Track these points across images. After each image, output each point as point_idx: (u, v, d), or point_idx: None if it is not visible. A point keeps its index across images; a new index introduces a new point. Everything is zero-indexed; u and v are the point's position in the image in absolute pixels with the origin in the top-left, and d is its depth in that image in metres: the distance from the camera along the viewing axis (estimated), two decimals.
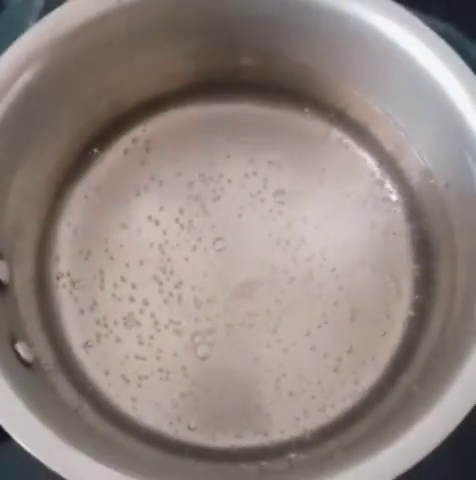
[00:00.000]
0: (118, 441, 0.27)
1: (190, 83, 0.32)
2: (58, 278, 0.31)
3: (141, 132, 0.33)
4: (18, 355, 0.26)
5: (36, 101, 0.27)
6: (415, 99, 0.27)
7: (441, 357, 0.26)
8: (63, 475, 0.22)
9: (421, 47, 0.25)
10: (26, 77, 0.26)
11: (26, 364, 0.26)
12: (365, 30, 0.27)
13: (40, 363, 0.28)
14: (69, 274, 0.31)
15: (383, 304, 0.31)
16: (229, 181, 0.32)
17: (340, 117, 0.32)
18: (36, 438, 0.22)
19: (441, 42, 0.25)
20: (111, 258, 0.31)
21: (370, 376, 0.30)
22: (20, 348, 0.26)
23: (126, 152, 0.33)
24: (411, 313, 0.30)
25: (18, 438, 0.22)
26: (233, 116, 0.33)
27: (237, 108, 0.33)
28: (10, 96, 0.26)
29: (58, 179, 0.32)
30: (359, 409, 0.29)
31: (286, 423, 0.29)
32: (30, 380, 0.25)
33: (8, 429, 0.22)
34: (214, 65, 0.31)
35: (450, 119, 0.25)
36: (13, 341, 0.26)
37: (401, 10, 0.26)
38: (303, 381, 0.30)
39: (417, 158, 0.30)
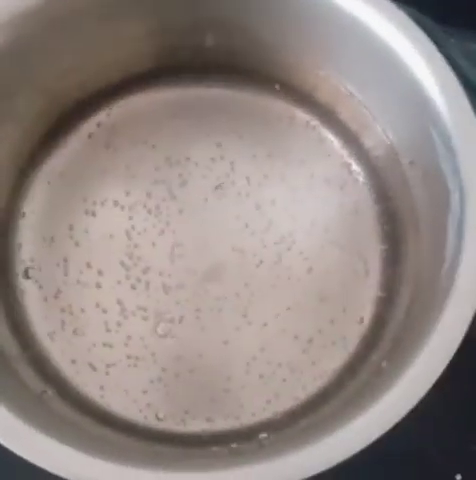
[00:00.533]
0: (86, 428, 0.26)
1: (154, 66, 0.32)
2: (21, 265, 0.30)
3: (106, 116, 0.32)
4: None
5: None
6: (378, 76, 0.27)
7: (408, 333, 0.26)
8: (29, 459, 0.21)
9: (384, 23, 0.25)
10: None
11: None
12: (328, 7, 0.26)
13: (4, 351, 0.27)
14: (32, 261, 0.30)
15: (352, 285, 0.31)
16: (196, 164, 0.32)
17: (306, 98, 0.32)
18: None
19: (404, 17, 0.25)
20: (76, 244, 0.31)
21: (340, 356, 0.30)
22: None
23: (90, 136, 0.32)
24: (379, 293, 0.31)
25: None
26: (198, 99, 0.32)
27: (202, 91, 0.32)
28: None
29: (20, 165, 0.31)
30: (330, 389, 0.29)
31: (257, 406, 0.29)
32: None
33: None
34: (177, 44, 0.31)
35: (414, 95, 0.25)
36: None
37: None
38: (273, 364, 0.29)
39: (382, 136, 0.30)
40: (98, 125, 0.32)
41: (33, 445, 0.21)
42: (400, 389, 0.22)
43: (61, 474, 0.21)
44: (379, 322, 0.30)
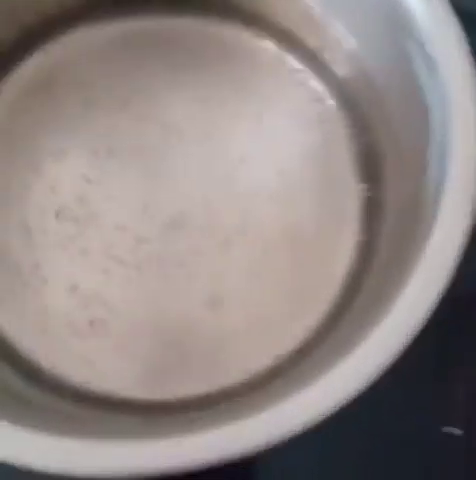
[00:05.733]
0: (36, 400, 0.24)
1: None
2: None
3: (44, 56, 0.29)
4: None
5: None
6: None
7: (389, 277, 0.23)
8: None
9: None
10: None
11: None
12: None
13: None
14: None
15: (330, 230, 0.28)
16: (155, 104, 0.29)
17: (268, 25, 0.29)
18: None
19: None
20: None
21: (320, 308, 0.27)
22: None
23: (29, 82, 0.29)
24: (360, 237, 0.28)
25: None
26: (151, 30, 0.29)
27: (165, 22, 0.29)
28: None
29: None
30: (309, 344, 0.26)
31: (232, 367, 0.26)
32: None
33: None
34: None
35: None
36: None
37: None
38: (249, 319, 0.27)
39: (352, 59, 0.27)
40: (35, 68, 0.29)
41: None
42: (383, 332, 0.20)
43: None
44: (360, 267, 0.27)
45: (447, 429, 0.28)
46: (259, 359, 0.26)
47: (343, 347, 0.21)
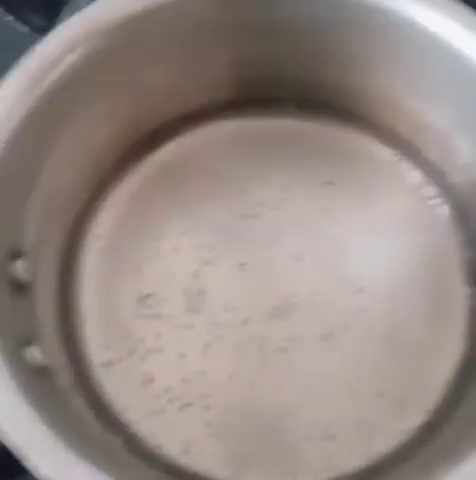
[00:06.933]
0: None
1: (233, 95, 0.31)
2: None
3: (176, 146, 0.31)
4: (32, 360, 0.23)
5: (75, 88, 0.26)
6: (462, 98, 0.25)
7: None
8: None
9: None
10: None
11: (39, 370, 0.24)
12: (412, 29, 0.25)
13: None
14: None
15: (435, 336, 0.28)
16: (266, 200, 0.30)
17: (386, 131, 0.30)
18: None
19: None
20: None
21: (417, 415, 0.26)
22: (34, 352, 0.24)
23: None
24: (464, 347, 0.27)
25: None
26: (273, 131, 0.31)
27: (276, 123, 0.31)
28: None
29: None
30: (406, 448, 0.25)
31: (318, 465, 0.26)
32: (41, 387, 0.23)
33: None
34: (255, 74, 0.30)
35: None
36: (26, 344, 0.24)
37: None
38: (343, 415, 0.26)
39: (469, 170, 0.27)
40: (168, 155, 0.31)
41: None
42: None
43: None
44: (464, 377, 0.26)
45: None
46: (348, 459, 0.26)
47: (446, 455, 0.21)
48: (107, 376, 0.27)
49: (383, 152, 0.31)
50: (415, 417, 0.26)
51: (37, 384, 0.23)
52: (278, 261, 0.29)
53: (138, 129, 0.30)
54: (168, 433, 0.26)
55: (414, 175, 0.30)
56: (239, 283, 0.29)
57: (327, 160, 0.31)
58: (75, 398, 0.26)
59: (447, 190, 0.29)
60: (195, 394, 0.27)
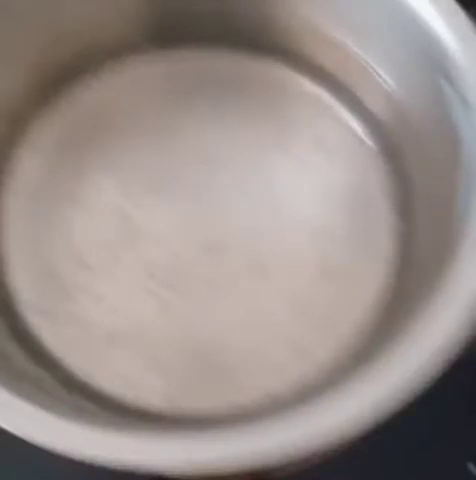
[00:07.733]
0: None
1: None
2: None
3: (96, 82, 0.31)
4: None
5: None
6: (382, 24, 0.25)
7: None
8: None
9: None
10: None
11: None
12: None
13: None
14: None
15: (363, 260, 0.29)
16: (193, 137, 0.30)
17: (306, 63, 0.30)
18: None
19: None
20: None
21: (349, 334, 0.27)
22: None
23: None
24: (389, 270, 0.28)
25: None
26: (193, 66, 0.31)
27: (199, 60, 0.31)
28: None
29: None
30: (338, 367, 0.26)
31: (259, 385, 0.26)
32: None
33: None
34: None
35: (421, 41, 0.23)
36: None
37: None
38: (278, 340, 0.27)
39: (387, 95, 0.28)
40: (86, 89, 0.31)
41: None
42: None
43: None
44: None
45: (471, 467, 0.28)
46: (283, 380, 0.26)
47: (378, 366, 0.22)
48: (34, 316, 0.27)
49: (309, 86, 0.31)
50: (345, 334, 0.27)
51: None
52: (205, 199, 0.29)
53: (55, 67, 0.30)
54: (100, 367, 0.27)
55: (340, 109, 0.31)
56: (169, 220, 0.29)
57: (251, 95, 0.31)
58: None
59: (373, 123, 0.30)
60: (127, 330, 0.27)
